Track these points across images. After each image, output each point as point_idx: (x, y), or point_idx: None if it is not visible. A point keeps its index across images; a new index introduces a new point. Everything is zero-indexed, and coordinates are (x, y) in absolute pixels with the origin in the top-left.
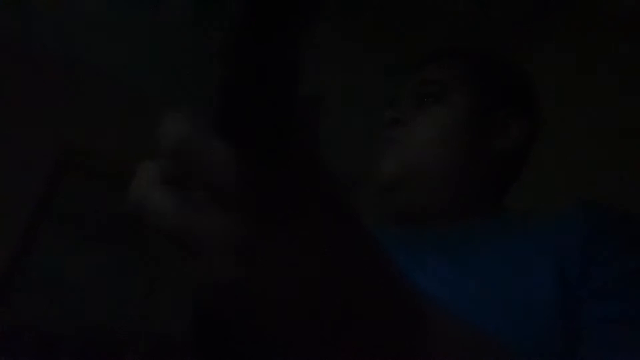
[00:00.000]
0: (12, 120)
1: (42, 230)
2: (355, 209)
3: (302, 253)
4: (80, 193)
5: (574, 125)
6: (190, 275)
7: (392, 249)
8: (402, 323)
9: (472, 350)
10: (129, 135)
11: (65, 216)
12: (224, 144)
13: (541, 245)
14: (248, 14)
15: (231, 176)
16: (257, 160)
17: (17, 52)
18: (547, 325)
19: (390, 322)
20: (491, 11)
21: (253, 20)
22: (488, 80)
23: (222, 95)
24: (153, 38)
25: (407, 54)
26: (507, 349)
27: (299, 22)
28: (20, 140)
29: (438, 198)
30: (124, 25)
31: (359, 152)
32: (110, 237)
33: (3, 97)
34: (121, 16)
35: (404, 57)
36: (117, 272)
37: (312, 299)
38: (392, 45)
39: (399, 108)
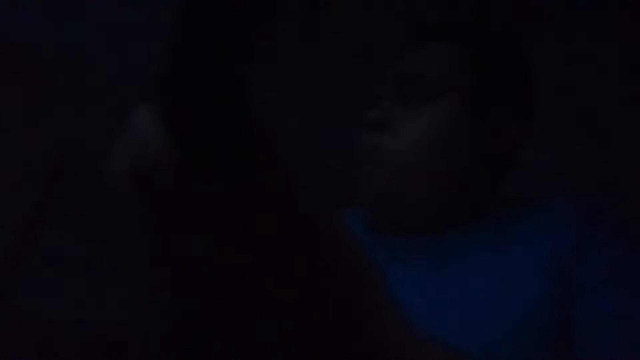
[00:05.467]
0: (10, 119)
1: (42, 228)
2: (327, 218)
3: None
4: (79, 192)
5: (572, 121)
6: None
7: (378, 255)
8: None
9: None
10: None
11: (65, 214)
12: (175, 149)
13: (534, 248)
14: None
15: (173, 185)
16: (206, 171)
17: (16, 51)
18: (539, 335)
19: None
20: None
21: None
22: (482, 72)
23: (170, 104)
24: (154, 37)
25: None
26: None
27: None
28: (20, 139)
29: (431, 207)
30: (123, 25)
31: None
32: (111, 236)
33: (2, 97)
34: (121, 16)
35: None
36: (117, 270)
37: (273, 313)
38: (384, 35)
39: (381, 108)
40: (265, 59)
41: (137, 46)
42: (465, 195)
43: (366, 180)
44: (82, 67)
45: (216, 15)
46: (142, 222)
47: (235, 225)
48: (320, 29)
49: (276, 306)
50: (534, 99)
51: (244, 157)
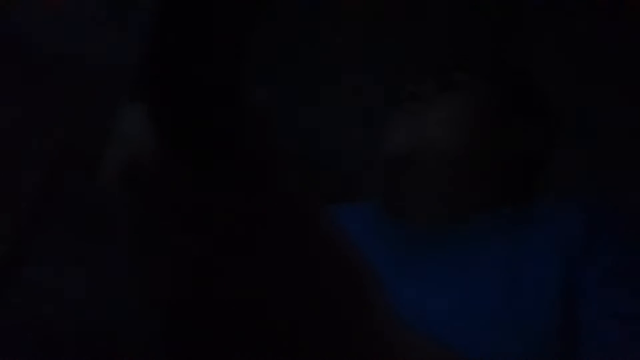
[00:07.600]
0: (10, 119)
1: (41, 228)
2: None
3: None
4: (79, 191)
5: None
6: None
7: (387, 250)
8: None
9: None
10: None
11: (65, 213)
12: (163, 148)
13: (543, 246)
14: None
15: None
16: (191, 163)
17: (16, 50)
18: (549, 328)
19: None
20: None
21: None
22: (512, 84)
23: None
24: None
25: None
26: None
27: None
28: (19, 138)
29: (446, 183)
30: (123, 25)
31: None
32: (110, 234)
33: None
34: (121, 15)
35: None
36: (117, 270)
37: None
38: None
39: (420, 85)
40: (264, 58)
41: (134, 45)
42: (477, 187)
43: (394, 138)
44: (81, 66)
45: (203, 10)
46: (135, 219)
47: (223, 224)
48: (321, 30)
49: (268, 304)
50: (551, 113)
51: (233, 155)
